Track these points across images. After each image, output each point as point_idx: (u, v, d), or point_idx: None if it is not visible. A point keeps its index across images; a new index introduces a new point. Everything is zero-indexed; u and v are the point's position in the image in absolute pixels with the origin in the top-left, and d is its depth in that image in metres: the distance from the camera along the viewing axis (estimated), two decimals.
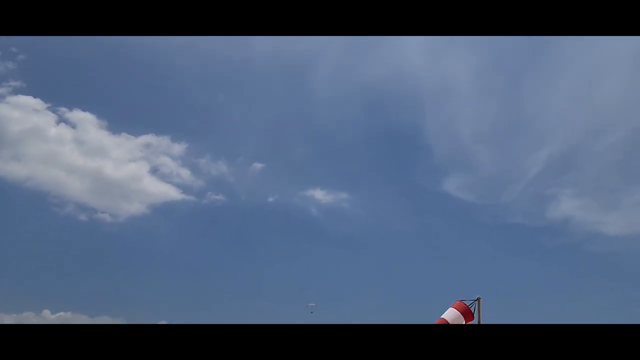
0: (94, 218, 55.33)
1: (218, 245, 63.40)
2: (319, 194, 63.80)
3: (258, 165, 64.29)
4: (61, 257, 56.63)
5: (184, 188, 58.69)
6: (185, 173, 59.90)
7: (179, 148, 61.28)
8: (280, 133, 69.48)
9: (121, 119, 65.58)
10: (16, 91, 53.63)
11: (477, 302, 11.21)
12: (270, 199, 63.20)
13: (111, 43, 59.44)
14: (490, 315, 11.34)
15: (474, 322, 11.03)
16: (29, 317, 47.30)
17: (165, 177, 59.00)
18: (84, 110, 58.20)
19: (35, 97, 54.31)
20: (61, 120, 55.56)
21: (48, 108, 54.61)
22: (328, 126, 70.62)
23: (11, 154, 53.32)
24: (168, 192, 58.08)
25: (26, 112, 53.94)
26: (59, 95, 64.61)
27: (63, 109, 55.55)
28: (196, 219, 60.67)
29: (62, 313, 48.47)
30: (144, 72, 65.78)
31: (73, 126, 56.23)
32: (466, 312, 11.01)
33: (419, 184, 65.75)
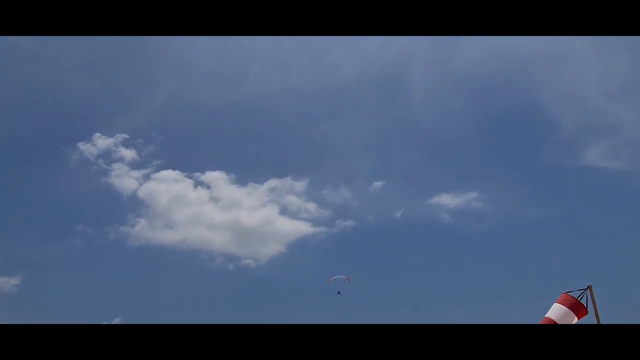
0: (239, 265, 60.43)
1: (356, 268, 64.31)
2: (445, 199, 61.26)
3: (378, 184, 64.41)
4: (220, 305, 62.79)
5: (313, 221, 61.20)
6: (311, 207, 62.57)
7: (301, 185, 64.52)
8: (389, 147, 69.09)
9: (245, 170, 71.76)
10: (159, 168, 62.42)
11: (587, 291, 9.63)
12: (397, 214, 62.54)
13: (213, 105, 66.09)
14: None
15: (587, 317, 9.46)
16: None
17: (294, 215, 62.31)
18: (213, 169, 65.09)
19: (174, 169, 62.63)
20: (197, 183, 62.77)
21: (185, 176, 62.38)
22: (435, 127, 68.20)
23: (164, 222, 61.52)
24: (299, 228, 61.06)
25: (169, 184, 62.21)
26: (191, 162, 73.39)
27: (197, 174, 62.80)
28: (330, 247, 62.57)
29: None
30: (251, 122, 71.57)
31: (207, 186, 63.05)
32: (576, 307, 9.42)
33: (551, 163, 59.28)
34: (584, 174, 56.19)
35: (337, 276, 34.07)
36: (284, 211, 62.21)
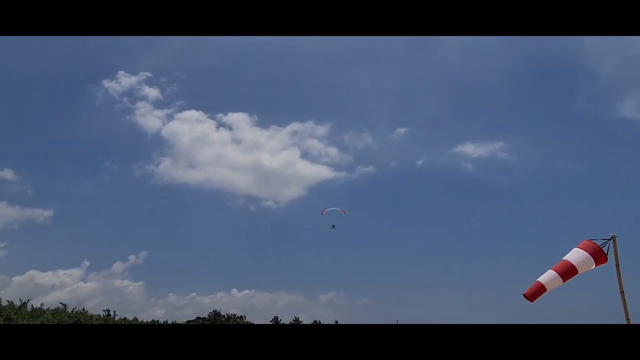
0: (260, 207, 61.82)
1: (375, 214, 65.04)
2: (469, 149, 60.33)
3: (401, 130, 63.57)
4: (241, 244, 65.00)
5: (334, 166, 61.43)
6: (332, 151, 62.61)
7: (323, 129, 64.26)
8: (415, 92, 67.37)
9: (268, 112, 71.51)
10: (182, 108, 62.66)
11: (611, 241, 9.44)
12: (419, 162, 62.09)
13: (238, 46, 64.78)
14: None
15: (606, 264, 9.34)
16: (222, 297, 54.47)
17: (315, 159, 62.59)
18: (235, 111, 65.05)
19: (197, 110, 62.75)
20: (220, 124, 63.05)
21: (208, 117, 62.56)
22: (465, 72, 65.78)
23: (187, 162, 62.70)
24: (320, 172, 61.51)
25: (192, 124, 62.65)
26: (215, 103, 73.52)
27: (220, 115, 62.90)
28: (350, 193, 63.09)
29: (247, 291, 55.22)
30: (275, 64, 70.34)
31: (230, 128, 63.32)
32: (597, 253, 9.26)
33: (584, 114, 57.00)
34: (619, 126, 54.09)
35: (330, 208, 31.12)
36: (305, 155, 62.45)
